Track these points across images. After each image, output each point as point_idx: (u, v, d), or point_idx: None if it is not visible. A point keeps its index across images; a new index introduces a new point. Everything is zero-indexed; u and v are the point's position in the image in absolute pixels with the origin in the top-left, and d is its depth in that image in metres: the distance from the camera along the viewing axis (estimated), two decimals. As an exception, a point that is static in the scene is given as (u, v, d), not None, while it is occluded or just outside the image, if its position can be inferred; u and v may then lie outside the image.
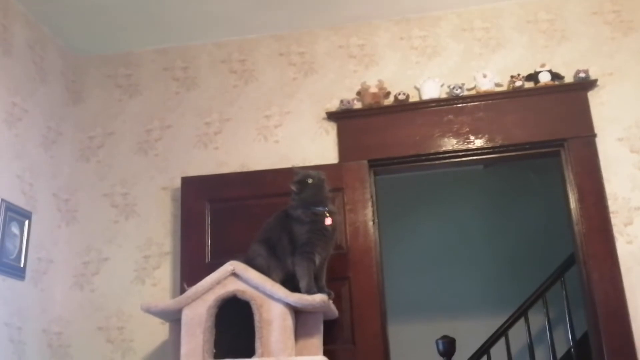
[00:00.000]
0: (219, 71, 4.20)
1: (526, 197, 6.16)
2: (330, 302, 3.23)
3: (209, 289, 3.15)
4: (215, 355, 3.06)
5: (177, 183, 3.91)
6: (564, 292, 5.05)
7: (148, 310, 3.21)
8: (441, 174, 5.95)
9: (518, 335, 5.22)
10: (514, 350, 5.21)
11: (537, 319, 5.22)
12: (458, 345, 4.34)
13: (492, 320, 5.40)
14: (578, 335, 5.00)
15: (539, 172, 6.09)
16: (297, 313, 3.19)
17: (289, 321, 3.09)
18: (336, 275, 3.52)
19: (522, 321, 5.17)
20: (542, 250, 5.83)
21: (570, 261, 4.92)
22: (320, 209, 3.23)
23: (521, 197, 6.17)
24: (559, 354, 5.19)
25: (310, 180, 3.23)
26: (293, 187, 3.25)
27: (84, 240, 3.98)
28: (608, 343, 3.43)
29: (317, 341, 3.21)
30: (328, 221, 3.21)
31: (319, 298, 3.07)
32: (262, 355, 3.01)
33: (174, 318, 3.24)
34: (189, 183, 3.87)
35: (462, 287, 6.05)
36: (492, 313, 5.63)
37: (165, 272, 3.87)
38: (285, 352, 3.03)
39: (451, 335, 4.35)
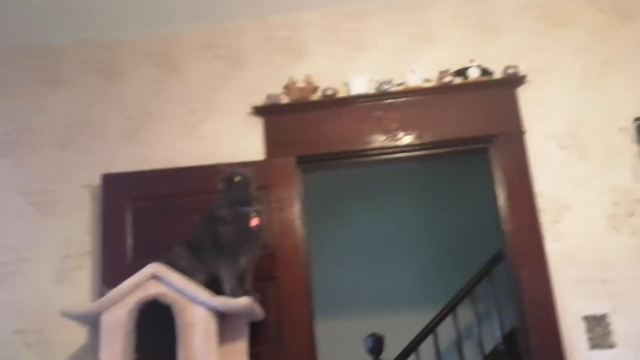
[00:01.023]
0: (142, 64, 4.05)
1: (455, 192, 6.17)
2: (256, 304, 3.17)
3: (129, 292, 3.04)
4: (137, 361, 2.96)
5: (99, 180, 3.75)
6: (493, 288, 5.07)
7: (67, 315, 3.08)
8: (372, 172, 6.03)
9: (447, 331, 5.23)
10: (442, 346, 5.24)
11: (466, 314, 5.25)
12: (387, 341, 4.33)
13: (422, 316, 5.41)
14: (506, 330, 5.05)
15: (468, 168, 6.05)
16: (222, 316, 3.11)
17: (212, 325, 3.02)
18: (264, 275, 3.45)
19: (450, 317, 5.18)
20: (473, 245, 5.82)
21: (499, 257, 4.96)
22: (247, 208, 3.14)
23: (450, 192, 6.18)
24: (487, 349, 5.24)
25: (237, 179, 3.15)
26: (219, 186, 3.16)
27: (0, 240, 3.79)
28: (536, 341, 3.45)
29: (242, 345, 3.14)
30: (254, 222, 3.14)
31: (243, 301, 3.00)
32: (184, 361, 2.92)
33: (94, 322, 3.11)
34: (110, 180, 3.72)
35: (393, 282, 6.05)
36: (423, 308, 5.63)
37: (86, 273, 3.72)
38: (209, 357, 2.95)
39: (381, 331, 4.33)
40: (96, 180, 3.77)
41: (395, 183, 6.24)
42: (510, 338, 4.91)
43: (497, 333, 5.09)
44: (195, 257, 3.13)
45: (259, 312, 3.28)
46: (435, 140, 3.82)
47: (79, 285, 3.70)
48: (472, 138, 3.81)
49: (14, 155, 3.93)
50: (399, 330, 5.23)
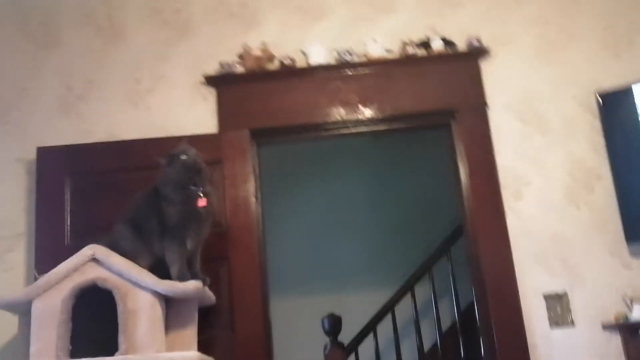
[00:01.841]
0: (83, 29, 3.73)
1: (412, 168, 6.00)
2: (206, 288, 2.92)
3: (65, 276, 2.76)
4: (72, 354, 2.68)
5: (34, 154, 3.44)
6: (450, 267, 4.99)
7: (-9, 303, 2.79)
8: (329, 145, 5.83)
9: (404, 309, 5.14)
10: (399, 323, 5.15)
11: (422, 290, 5.14)
12: (345, 320, 4.15)
13: (379, 293, 5.32)
14: (462, 307, 4.96)
15: (425, 142, 5.94)
16: (169, 302, 2.86)
17: (158, 311, 2.77)
18: (214, 255, 3.22)
19: (408, 295, 5.10)
20: (427, 221, 5.74)
21: (456, 233, 4.93)
22: (194, 188, 2.88)
23: (407, 167, 6.01)
24: (444, 326, 5.14)
25: (183, 157, 2.88)
26: (162, 161, 2.90)
27: None
28: (496, 318, 3.32)
29: (191, 332, 2.89)
30: (201, 203, 2.88)
31: (192, 285, 2.76)
32: (126, 352, 2.67)
33: (25, 311, 2.82)
34: (46, 154, 3.42)
35: (348, 259, 5.86)
36: (380, 286, 5.53)
37: (19, 256, 3.41)
38: (154, 346, 2.70)
39: (338, 310, 4.13)
40: (32, 155, 3.46)
41: (350, 157, 6.04)
42: (466, 315, 4.78)
43: (454, 310, 5.00)
44: (139, 238, 2.86)
45: (210, 295, 3.05)
46: (397, 113, 3.63)
47: (11, 270, 3.40)
48: (434, 111, 3.65)
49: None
50: (356, 309, 5.10)
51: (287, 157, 5.83)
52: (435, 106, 3.62)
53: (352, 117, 3.60)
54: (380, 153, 6.07)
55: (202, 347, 2.94)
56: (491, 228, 3.44)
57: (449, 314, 5.18)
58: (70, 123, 3.58)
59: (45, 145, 3.45)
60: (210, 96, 3.61)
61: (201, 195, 2.88)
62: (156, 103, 3.62)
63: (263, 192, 3.61)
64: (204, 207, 2.87)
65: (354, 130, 3.66)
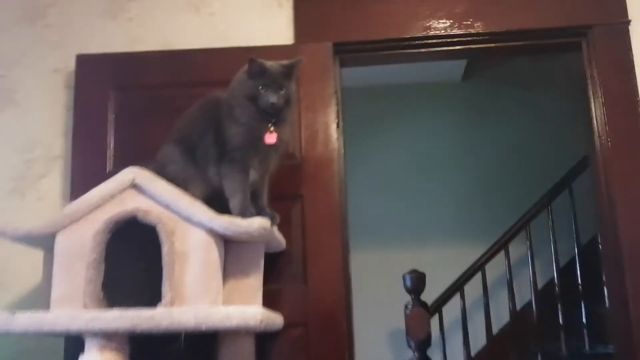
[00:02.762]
0: None
1: (508, 113, 5.39)
2: (275, 228, 2.30)
3: (97, 205, 2.18)
4: (103, 303, 2.11)
5: (73, 64, 2.86)
6: (550, 221, 4.48)
7: (3, 235, 2.21)
8: (412, 86, 5.38)
9: (494, 268, 4.62)
10: (489, 283, 4.60)
11: (515, 249, 4.64)
12: (427, 278, 3.61)
13: (466, 250, 4.82)
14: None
15: (519, 86, 5.36)
16: (228, 244, 2.26)
17: (215, 254, 2.16)
18: (285, 192, 2.63)
19: (499, 255, 4.57)
20: (523, 174, 5.18)
21: (559, 186, 4.59)
22: (266, 118, 2.22)
23: (502, 113, 5.41)
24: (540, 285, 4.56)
25: (270, 65, 2.23)
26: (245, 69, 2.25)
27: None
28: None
29: (254, 282, 2.29)
30: (270, 139, 2.23)
31: (257, 223, 2.13)
32: (171, 302, 2.07)
33: (51, 246, 2.25)
34: (87, 63, 2.83)
35: (433, 213, 5.30)
36: (466, 242, 5.03)
37: (54, 183, 2.86)
38: (207, 297, 2.11)
39: (419, 267, 3.59)
40: (72, 65, 2.89)
41: (438, 99, 5.46)
42: (564, 274, 4.45)
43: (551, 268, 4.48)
44: (190, 162, 2.25)
45: (279, 238, 2.45)
46: (514, 29, 2.94)
47: (45, 198, 2.86)
48: (562, 28, 2.95)
49: (-34, 31, 3.03)
50: (439, 267, 4.51)
51: (368, 97, 5.25)
52: (562, 22, 2.93)
53: (459, 31, 2.93)
54: (472, 94, 5.46)
55: (268, 301, 2.35)
56: (631, 171, 2.76)
57: (543, 273, 4.65)
58: (118, 28, 2.98)
59: (87, 53, 2.87)
60: (285, 2, 2.98)
61: (271, 129, 2.24)
62: (221, 8, 2.99)
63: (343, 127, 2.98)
64: (274, 144, 2.23)
65: (458, 48, 2.99)
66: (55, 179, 2.87)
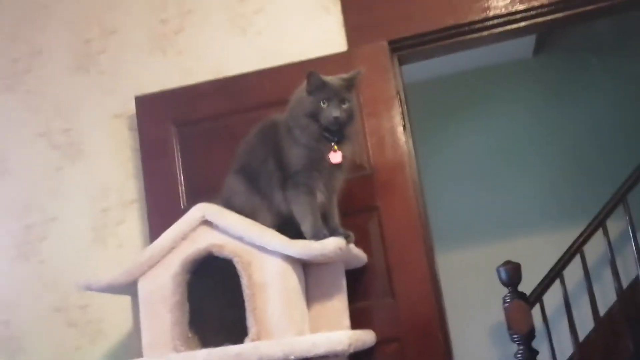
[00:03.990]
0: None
1: (587, 86, 5.14)
2: (352, 245, 2.21)
3: (171, 247, 2.15)
4: (193, 342, 2.08)
5: (133, 107, 2.87)
6: None
7: (89, 289, 2.23)
8: (480, 71, 5.20)
9: (592, 249, 4.40)
10: (589, 265, 4.37)
11: (614, 226, 4.41)
12: (523, 268, 3.44)
13: (560, 235, 4.64)
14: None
15: (600, 54, 5.07)
16: (307, 268, 2.19)
17: (294, 281, 2.10)
18: (358, 205, 2.54)
19: (597, 234, 4.32)
20: (610, 149, 4.96)
21: None
22: (330, 137, 2.13)
23: (581, 87, 5.17)
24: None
25: (330, 80, 2.14)
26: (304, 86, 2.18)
27: (21, 197, 2.98)
28: None
29: (339, 304, 2.21)
30: (335, 159, 2.14)
31: (332, 244, 2.04)
32: (258, 336, 2.03)
33: (135, 291, 2.24)
34: (145, 103, 2.83)
35: (519, 199, 5.13)
36: (559, 226, 4.85)
37: (133, 227, 2.87)
38: (293, 326, 2.04)
39: (513, 258, 3.45)
40: (131, 107, 2.90)
41: (512, 82, 5.27)
42: None
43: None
44: (254, 191, 2.19)
45: (359, 254, 2.35)
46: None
47: (126, 244, 2.88)
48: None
49: (25, 88, 3.08)
50: (535, 256, 4.40)
51: (435, 90, 5.11)
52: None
53: (521, 6, 2.74)
54: (546, 69, 5.24)
55: (357, 319, 2.28)
56: None
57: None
58: (169, 63, 2.96)
59: (144, 92, 2.87)
60: (332, 6, 2.87)
61: (335, 148, 2.14)
62: (267, 25, 2.92)
63: (411, 125, 2.85)
64: (339, 163, 2.14)
65: (524, 23, 2.79)
66: (133, 223, 2.88)
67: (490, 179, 5.13)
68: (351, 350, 2.01)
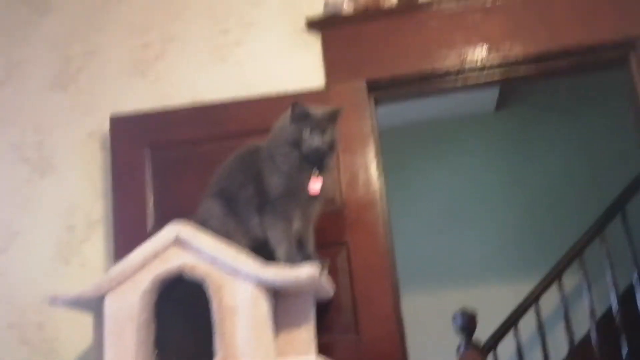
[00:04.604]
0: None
1: (546, 141, 5.30)
2: (324, 274, 2.23)
3: (142, 265, 2.13)
4: (157, 364, 2.06)
5: (107, 126, 2.86)
6: (605, 248, 4.30)
7: (54, 303, 2.19)
8: (444, 121, 5.33)
9: (548, 301, 4.45)
10: (544, 317, 4.41)
11: (569, 280, 4.47)
12: (480, 315, 3.50)
13: (518, 284, 4.70)
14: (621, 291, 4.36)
15: (557, 112, 5.27)
16: (276, 297, 2.19)
17: (264, 308, 2.09)
18: (328, 239, 2.53)
19: (553, 287, 4.37)
20: (568, 201, 5.07)
21: (611, 212, 4.40)
22: (309, 166, 2.17)
23: (540, 141, 5.31)
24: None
25: (314, 112, 2.18)
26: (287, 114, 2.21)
27: (-14, 209, 2.93)
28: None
29: (306, 334, 2.20)
30: (315, 187, 2.18)
31: (306, 270, 2.06)
32: (224, 361, 2.00)
33: (100, 309, 2.20)
34: (121, 124, 2.83)
35: (480, 248, 5.20)
36: (518, 276, 4.92)
37: (97, 247, 2.84)
38: (259, 352, 2.03)
39: (472, 304, 3.51)
40: (105, 127, 2.89)
41: (475, 131, 5.40)
42: (625, 301, 4.29)
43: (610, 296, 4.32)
44: (231, 215, 2.20)
45: (326, 287, 2.35)
46: (556, 49, 2.82)
47: (88, 263, 2.83)
48: (607, 43, 2.80)
49: (0, 101, 3.05)
50: (490, 305, 4.38)
51: (400, 137, 5.20)
52: (608, 36, 2.78)
53: (496, 58, 2.83)
54: (508, 123, 5.39)
55: (321, 354, 2.26)
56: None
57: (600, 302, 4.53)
58: (148, 87, 2.98)
59: (119, 113, 2.86)
60: (313, 44, 2.93)
61: (316, 174, 2.18)
62: (247, 56, 2.97)
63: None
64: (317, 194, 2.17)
65: (499, 76, 2.88)
66: (97, 243, 2.84)
67: (453, 226, 5.20)
68: (317, 379, 2.01)
